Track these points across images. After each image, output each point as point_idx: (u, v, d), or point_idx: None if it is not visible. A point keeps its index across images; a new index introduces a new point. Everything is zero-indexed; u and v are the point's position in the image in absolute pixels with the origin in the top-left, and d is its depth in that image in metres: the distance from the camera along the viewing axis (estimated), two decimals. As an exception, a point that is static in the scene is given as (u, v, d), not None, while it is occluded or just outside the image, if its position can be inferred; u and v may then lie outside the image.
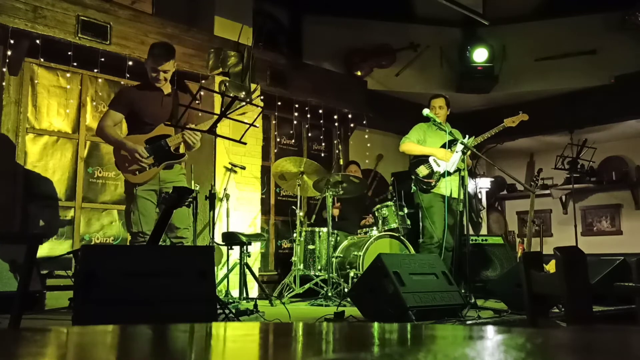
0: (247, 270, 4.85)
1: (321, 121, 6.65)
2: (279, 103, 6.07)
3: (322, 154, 7.11)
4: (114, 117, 3.79)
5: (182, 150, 3.82)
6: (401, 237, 5.36)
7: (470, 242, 4.64)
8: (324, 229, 5.22)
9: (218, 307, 3.00)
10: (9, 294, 3.62)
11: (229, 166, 5.60)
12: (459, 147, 4.54)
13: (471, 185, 8.12)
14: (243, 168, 5.64)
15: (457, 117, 5.26)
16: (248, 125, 3.69)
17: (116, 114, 3.79)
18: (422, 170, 5.06)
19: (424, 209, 5.09)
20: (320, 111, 6.63)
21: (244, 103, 3.78)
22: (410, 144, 5.15)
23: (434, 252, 4.87)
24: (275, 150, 6.70)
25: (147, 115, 3.76)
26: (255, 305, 3.82)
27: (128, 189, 3.74)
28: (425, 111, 4.96)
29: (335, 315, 3.58)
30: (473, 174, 8.40)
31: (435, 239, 4.95)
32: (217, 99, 5.41)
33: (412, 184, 5.17)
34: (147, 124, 3.75)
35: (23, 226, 4.82)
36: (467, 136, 4.82)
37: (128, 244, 3.87)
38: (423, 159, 5.10)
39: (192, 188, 4.58)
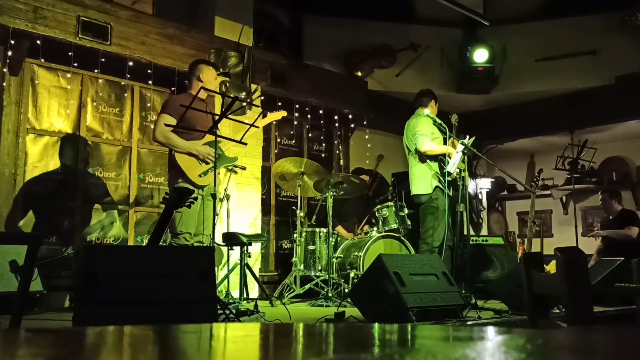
0: (247, 271, 4.85)
1: (321, 122, 6.65)
2: (279, 103, 6.07)
3: (323, 155, 7.11)
4: (169, 121, 3.80)
5: (231, 154, 3.93)
6: (401, 238, 5.36)
7: (471, 242, 4.62)
8: (324, 230, 5.22)
9: (218, 307, 3.01)
10: (9, 295, 3.63)
11: (230, 166, 5.60)
12: (459, 147, 4.53)
13: (472, 185, 8.11)
14: (243, 168, 5.63)
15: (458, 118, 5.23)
16: (248, 126, 3.71)
17: (171, 118, 3.82)
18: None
19: (439, 212, 4.78)
20: (321, 111, 6.63)
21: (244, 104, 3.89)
22: (432, 143, 4.81)
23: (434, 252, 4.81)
24: (276, 151, 6.69)
25: (194, 122, 3.80)
26: (256, 306, 3.82)
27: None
28: (426, 111, 4.96)
29: (336, 315, 3.59)
30: (474, 175, 8.39)
31: (439, 242, 4.83)
32: (218, 100, 5.41)
33: (434, 186, 4.80)
34: (195, 131, 3.81)
35: (24, 227, 4.83)
36: (467, 137, 4.79)
37: (168, 243, 3.95)
38: (442, 159, 4.82)
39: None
